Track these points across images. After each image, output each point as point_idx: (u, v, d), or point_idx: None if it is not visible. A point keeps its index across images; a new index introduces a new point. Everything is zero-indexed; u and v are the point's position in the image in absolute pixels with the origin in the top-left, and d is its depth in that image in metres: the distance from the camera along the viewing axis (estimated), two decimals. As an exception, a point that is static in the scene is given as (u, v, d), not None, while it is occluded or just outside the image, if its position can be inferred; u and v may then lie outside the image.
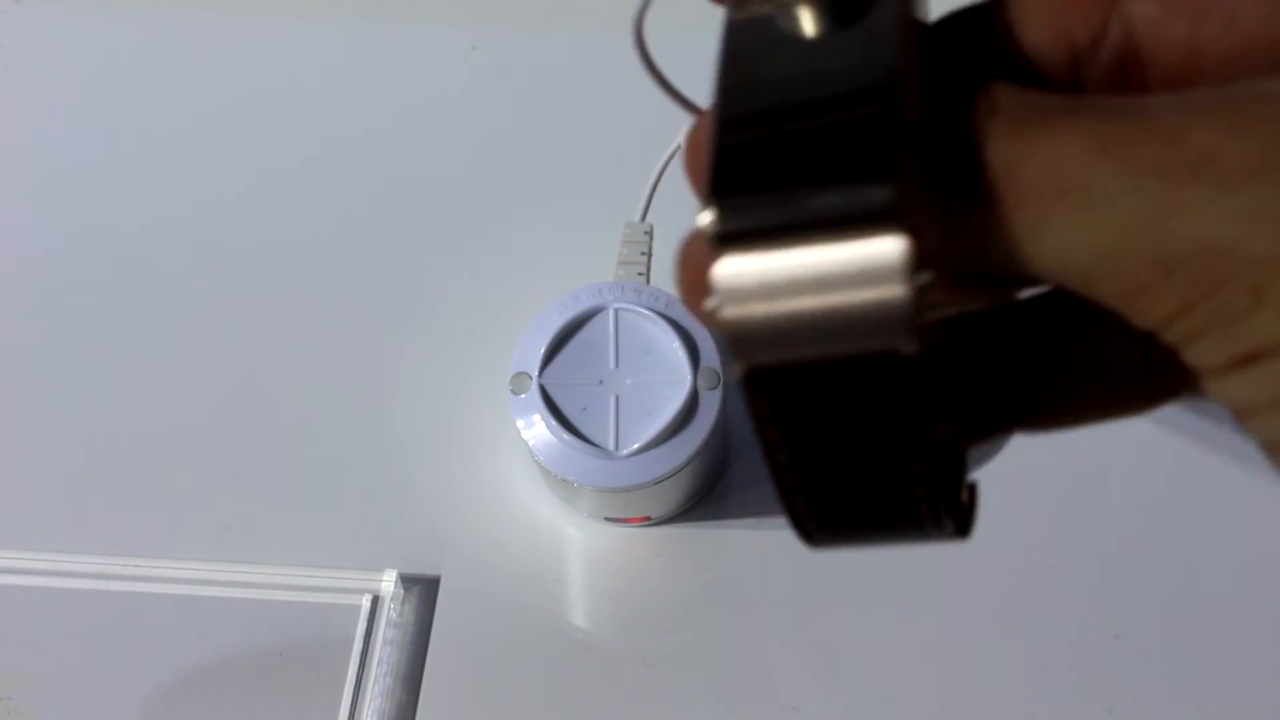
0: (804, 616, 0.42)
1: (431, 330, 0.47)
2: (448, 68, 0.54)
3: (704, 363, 0.38)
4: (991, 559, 0.42)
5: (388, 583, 0.42)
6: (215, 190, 0.52)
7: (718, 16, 0.15)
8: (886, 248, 0.12)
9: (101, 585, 0.42)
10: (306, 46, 0.56)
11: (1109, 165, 0.13)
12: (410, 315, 0.48)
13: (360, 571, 0.42)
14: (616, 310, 0.40)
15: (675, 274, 0.15)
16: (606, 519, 0.43)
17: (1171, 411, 0.41)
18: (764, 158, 0.13)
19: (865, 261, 0.12)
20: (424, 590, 0.42)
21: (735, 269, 0.13)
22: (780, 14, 0.14)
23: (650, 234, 0.42)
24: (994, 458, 0.20)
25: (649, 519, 0.43)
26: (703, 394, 0.38)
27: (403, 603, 0.42)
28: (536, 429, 0.38)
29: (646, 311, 0.39)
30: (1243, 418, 0.13)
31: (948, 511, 0.15)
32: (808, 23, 0.14)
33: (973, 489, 0.17)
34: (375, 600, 0.42)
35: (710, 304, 0.13)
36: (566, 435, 0.38)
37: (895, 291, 0.12)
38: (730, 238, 0.13)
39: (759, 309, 0.13)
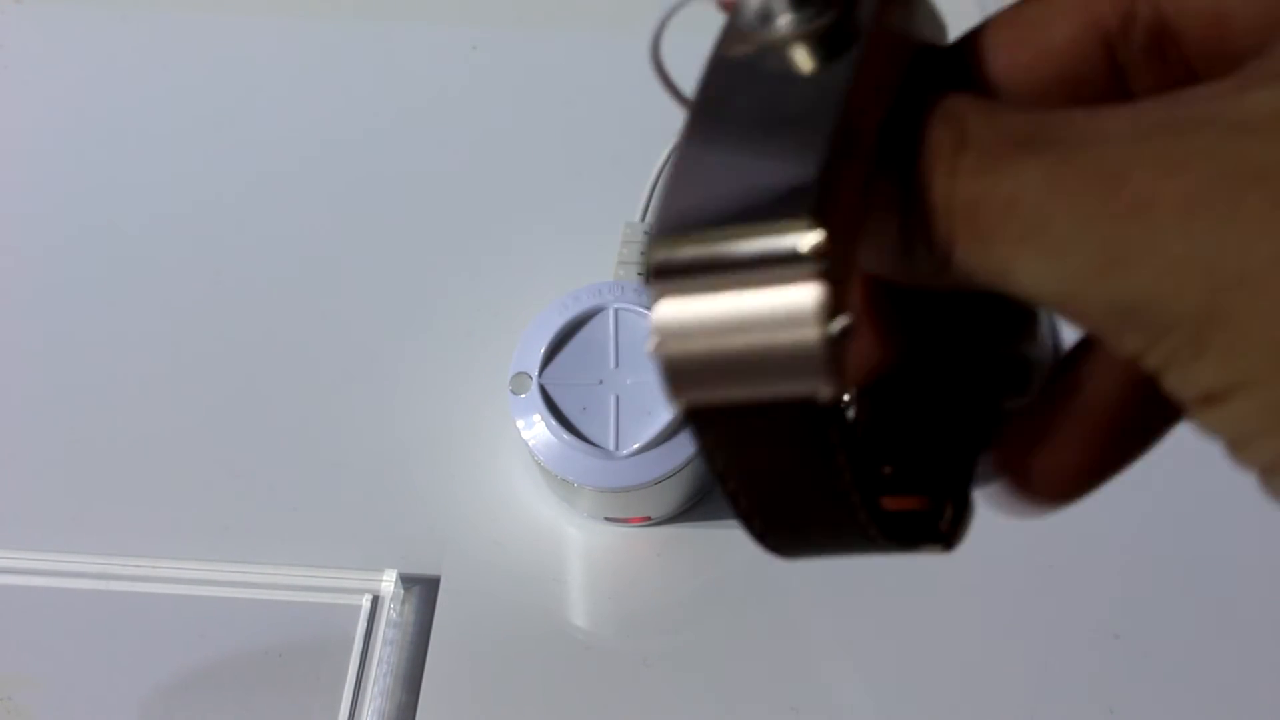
0: (804, 616, 0.42)
1: (431, 330, 0.47)
2: (448, 68, 0.54)
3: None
4: (991, 559, 0.42)
5: (388, 583, 0.42)
6: (215, 190, 0.52)
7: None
8: (802, 295, 0.12)
9: (101, 585, 0.42)
10: (306, 46, 0.56)
11: (1061, 208, 0.13)
12: (410, 315, 0.48)
13: (360, 571, 0.42)
14: (616, 310, 0.40)
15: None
16: (606, 519, 0.43)
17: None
18: (708, 198, 0.13)
19: (782, 308, 0.13)
20: (424, 590, 0.42)
21: (671, 308, 0.13)
22: (771, 52, 0.14)
23: (650, 234, 0.42)
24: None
25: (649, 519, 0.43)
26: None
27: (403, 603, 0.42)
28: (536, 429, 0.38)
29: (646, 312, 0.39)
30: (1229, 447, 0.14)
31: (922, 535, 0.16)
32: (803, 60, 0.14)
33: (960, 508, 0.17)
34: (375, 600, 0.42)
35: (650, 342, 0.13)
36: (566, 435, 0.38)
37: (810, 338, 0.12)
38: (662, 271, 0.13)
39: (689, 348, 0.13)
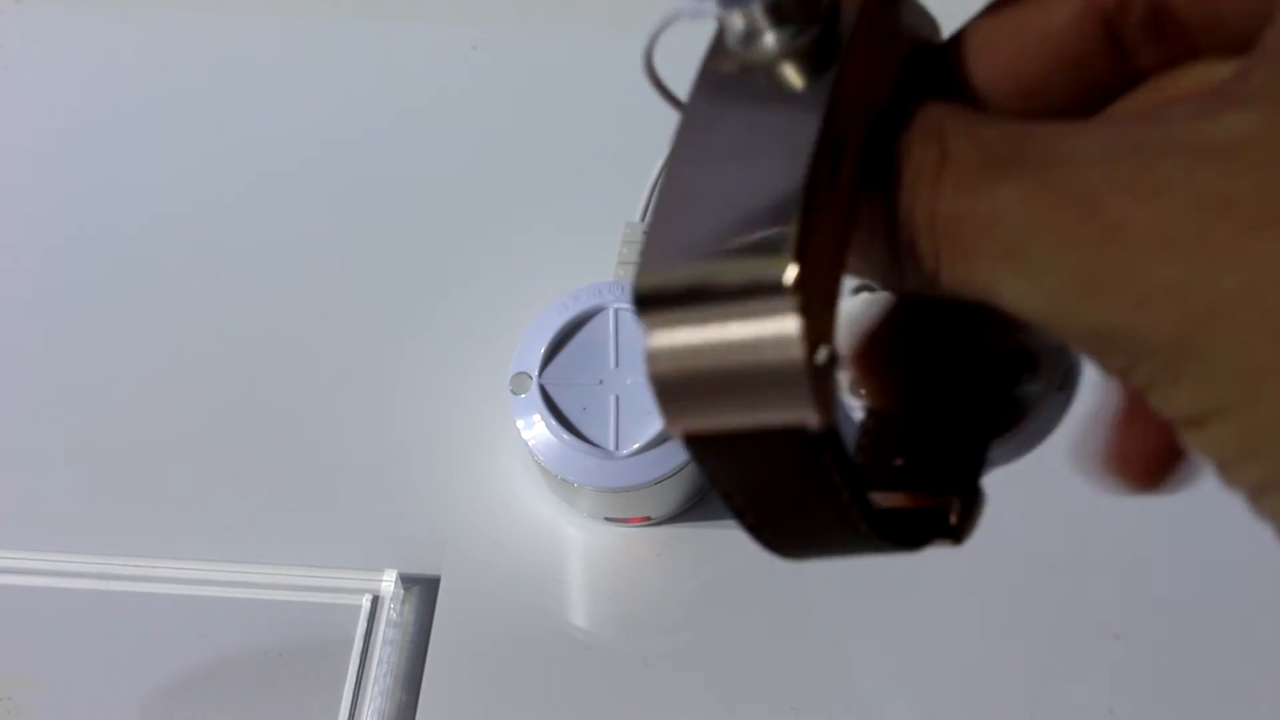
0: (804, 616, 0.42)
1: (431, 330, 0.47)
2: (448, 68, 0.54)
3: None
4: (992, 559, 0.42)
5: (388, 583, 0.42)
6: (215, 190, 0.52)
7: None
8: (784, 327, 0.13)
9: (101, 585, 0.42)
10: (306, 46, 0.56)
11: (1038, 232, 0.13)
12: (410, 315, 0.48)
13: (360, 571, 0.42)
14: (616, 310, 0.40)
15: None
16: (606, 519, 0.43)
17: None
18: (693, 227, 0.14)
19: (766, 340, 0.13)
20: (424, 590, 0.42)
21: (662, 339, 0.13)
22: (757, 71, 0.14)
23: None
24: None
25: (649, 519, 0.43)
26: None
27: (403, 603, 0.42)
28: (536, 429, 0.38)
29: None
30: (1216, 469, 0.14)
31: (930, 531, 0.16)
32: (789, 78, 0.14)
33: (969, 503, 0.17)
34: (375, 600, 0.42)
35: (646, 369, 0.14)
36: (566, 435, 0.38)
37: (794, 369, 0.13)
38: (649, 301, 0.13)
39: (681, 379, 0.13)
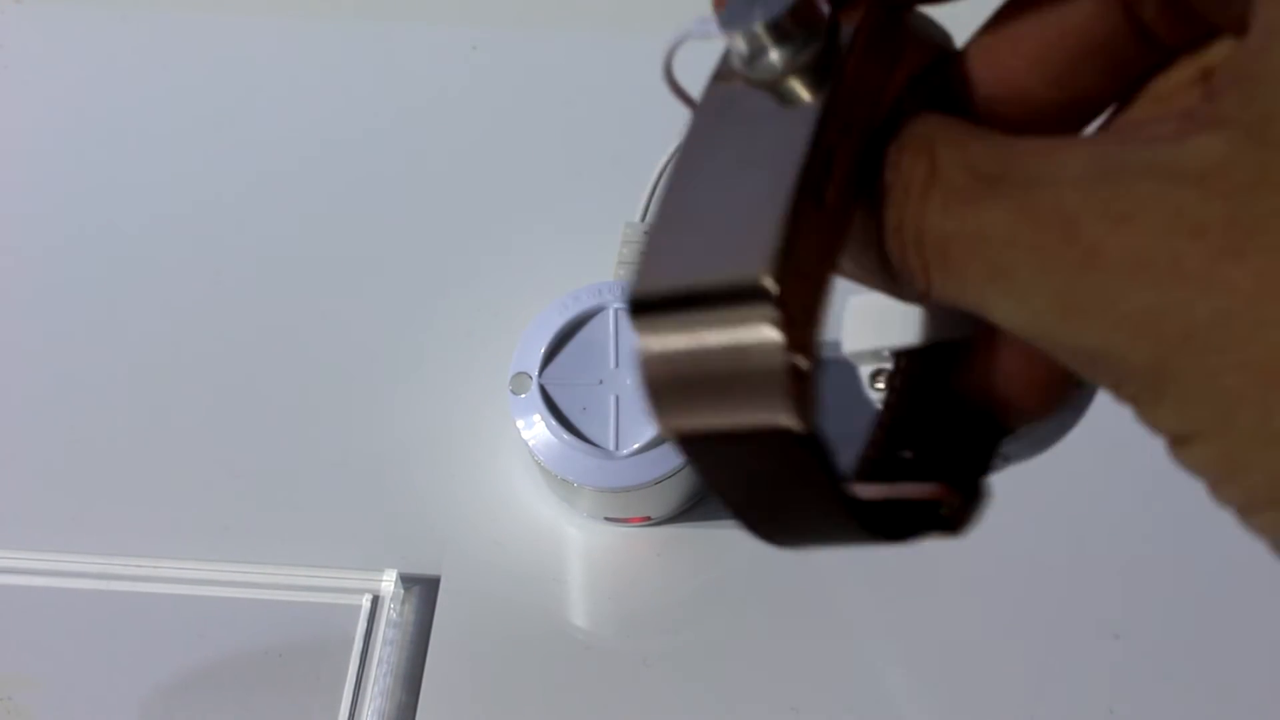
0: (804, 616, 0.42)
1: (431, 330, 0.47)
2: (448, 68, 0.54)
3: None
4: (991, 559, 0.42)
5: (388, 583, 0.42)
6: (215, 190, 0.52)
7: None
8: (763, 335, 0.13)
9: (101, 585, 0.42)
10: (306, 46, 0.56)
11: (1022, 254, 0.13)
12: (410, 315, 0.48)
13: (360, 571, 0.42)
14: (616, 310, 0.40)
15: None
16: (606, 519, 0.43)
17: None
18: (685, 238, 0.14)
19: (747, 346, 0.13)
20: (424, 590, 0.42)
21: (654, 343, 0.14)
22: (760, 88, 0.15)
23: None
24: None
25: (649, 519, 0.43)
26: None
27: (403, 603, 0.42)
28: (536, 429, 0.38)
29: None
30: (1206, 485, 0.14)
31: (926, 524, 0.16)
32: (791, 94, 0.15)
33: (972, 496, 0.17)
34: (375, 600, 0.42)
35: (638, 372, 0.14)
36: (566, 435, 0.38)
37: (771, 375, 0.13)
38: (641, 307, 0.14)
39: (671, 382, 0.14)
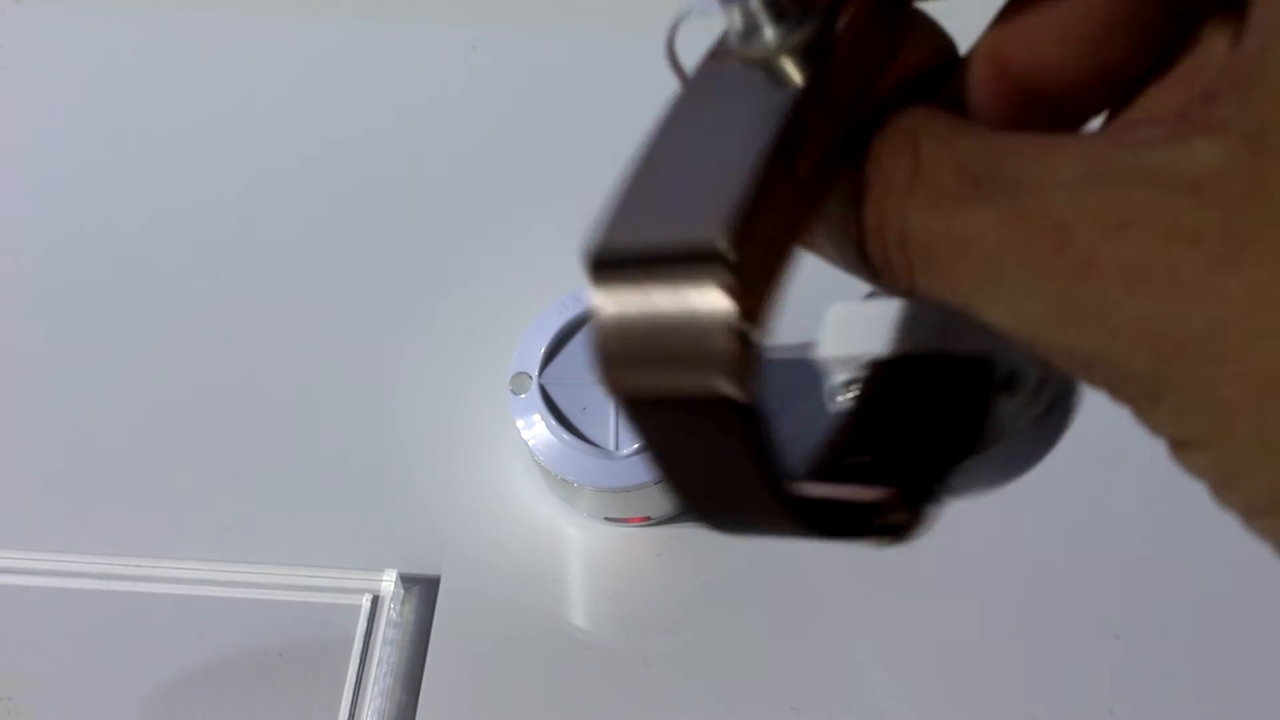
0: (804, 616, 0.42)
1: (431, 330, 0.47)
2: (448, 68, 0.54)
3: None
4: (992, 559, 0.42)
5: (388, 583, 0.42)
6: (215, 190, 0.52)
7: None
8: (712, 299, 0.13)
9: (101, 585, 0.42)
10: (306, 46, 0.56)
11: (1013, 260, 0.13)
12: (410, 315, 0.48)
13: (360, 571, 0.42)
14: (616, 310, 0.39)
15: None
16: (606, 519, 0.43)
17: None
18: (653, 201, 0.14)
19: (696, 310, 0.13)
20: (424, 590, 0.42)
21: (607, 300, 0.14)
22: (752, 65, 0.15)
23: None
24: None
25: (649, 519, 0.43)
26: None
27: (403, 603, 0.42)
28: (536, 429, 0.38)
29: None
30: (1208, 488, 0.14)
31: (865, 529, 0.16)
32: (790, 72, 0.14)
33: (920, 506, 0.17)
34: (375, 600, 0.42)
35: (590, 328, 0.14)
36: (566, 435, 0.38)
37: (717, 340, 0.13)
38: (599, 264, 0.14)
39: (619, 340, 0.14)
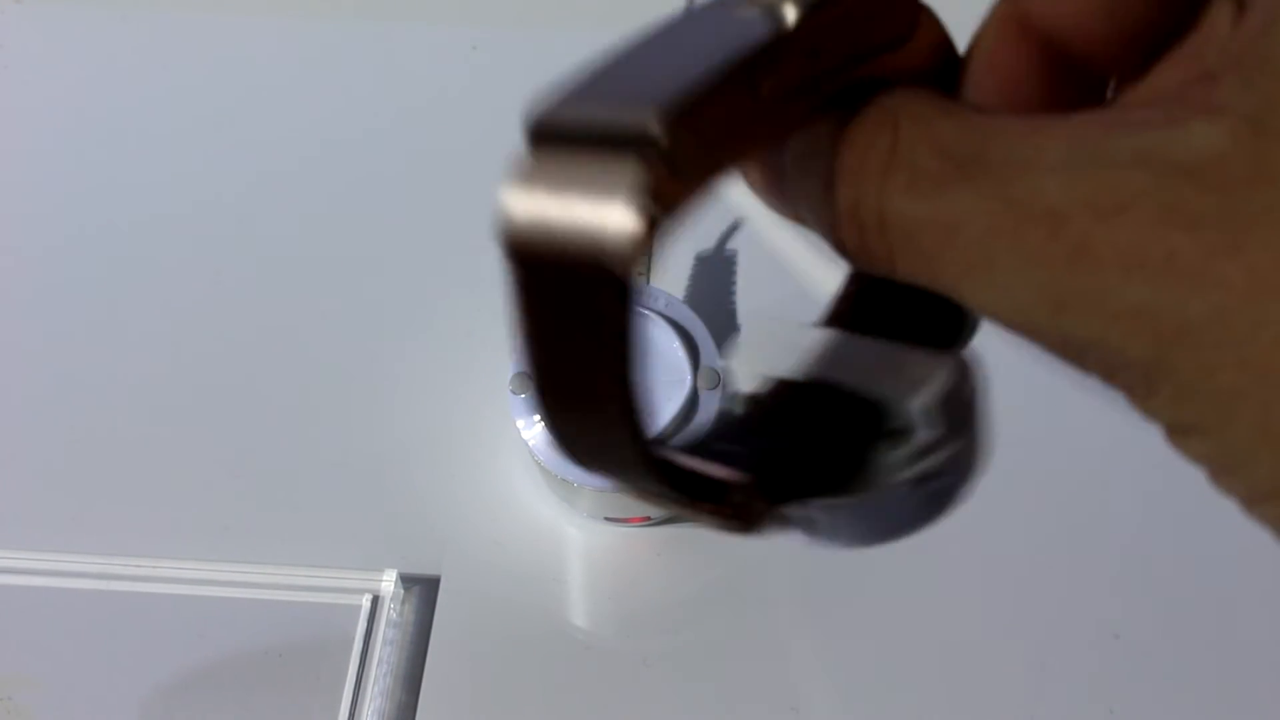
0: (804, 616, 0.42)
1: (431, 330, 0.47)
2: (448, 68, 0.54)
3: (704, 363, 0.38)
4: (992, 559, 0.42)
5: (388, 583, 0.42)
6: (215, 190, 0.52)
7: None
8: (626, 168, 0.13)
9: (101, 585, 0.42)
10: (306, 46, 0.56)
11: (1003, 246, 0.13)
12: (410, 315, 0.48)
13: (360, 571, 0.42)
14: (616, 310, 0.39)
15: None
16: (606, 519, 0.43)
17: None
18: (606, 83, 0.14)
19: (612, 180, 0.13)
20: (424, 590, 0.42)
21: (530, 163, 0.14)
22: (764, 7, 0.15)
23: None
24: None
25: (649, 519, 0.43)
26: (702, 394, 0.38)
27: (403, 603, 0.42)
28: (536, 429, 0.38)
29: (646, 311, 0.39)
30: (1207, 475, 0.14)
31: (710, 501, 0.16)
32: (789, 14, 0.14)
33: (772, 506, 0.17)
34: (375, 600, 0.42)
35: (504, 182, 0.14)
36: (566, 435, 0.38)
37: (620, 213, 0.13)
38: (535, 134, 0.14)
39: (527, 190, 0.14)
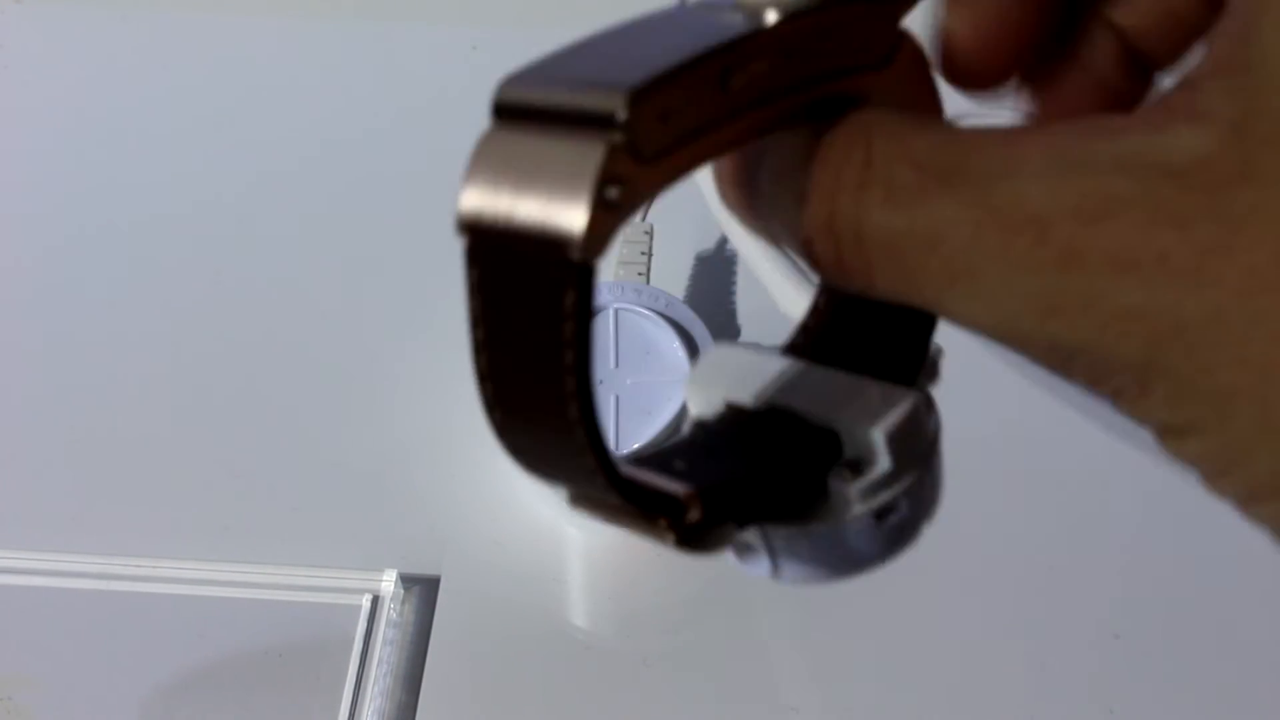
0: (804, 616, 0.42)
1: (431, 330, 0.47)
2: (448, 68, 0.55)
3: (704, 363, 0.38)
4: (992, 559, 0.42)
5: (388, 583, 0.42)
6: (215, 190, 0.52)
7: None
8: (591, 150, 0.13)
9: (101, 585, 0.42)
10: (306, 46, 0.56)
11: (988, 255, 0.13)
12: (410, 315, 0.48)
13: (360, 571, 0.42)
14: (616, 310, 0.39)
15: None
16: (606, 519, 0.43)
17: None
18: (575, 67, 0.14)
19: (571, 155, 0.13)
20: (424, 590, 0.42)
21: (493, 138, 0.14)
22: (748, 10, 0.15)
23: (650, 234, 0.42)
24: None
25: (649, 519, 0.42)
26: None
27: (403, 603, 0.42)
28: (536, 429, 0.38)
29: (646, 312, 0.39)
30: (1200, 477, 0.14)
31: (662, 512, 0.15)
32: (769, 17, 0.14)
33: (717, 522, 0.16)
34: (375, 600, 0.42)
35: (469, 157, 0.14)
36: (566, 435, 0.38)
37: (582, 193, 0.13)
38: (501, 110, 0.14)
39: (489, 169, 0.14)
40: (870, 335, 0.18)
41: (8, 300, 0.49)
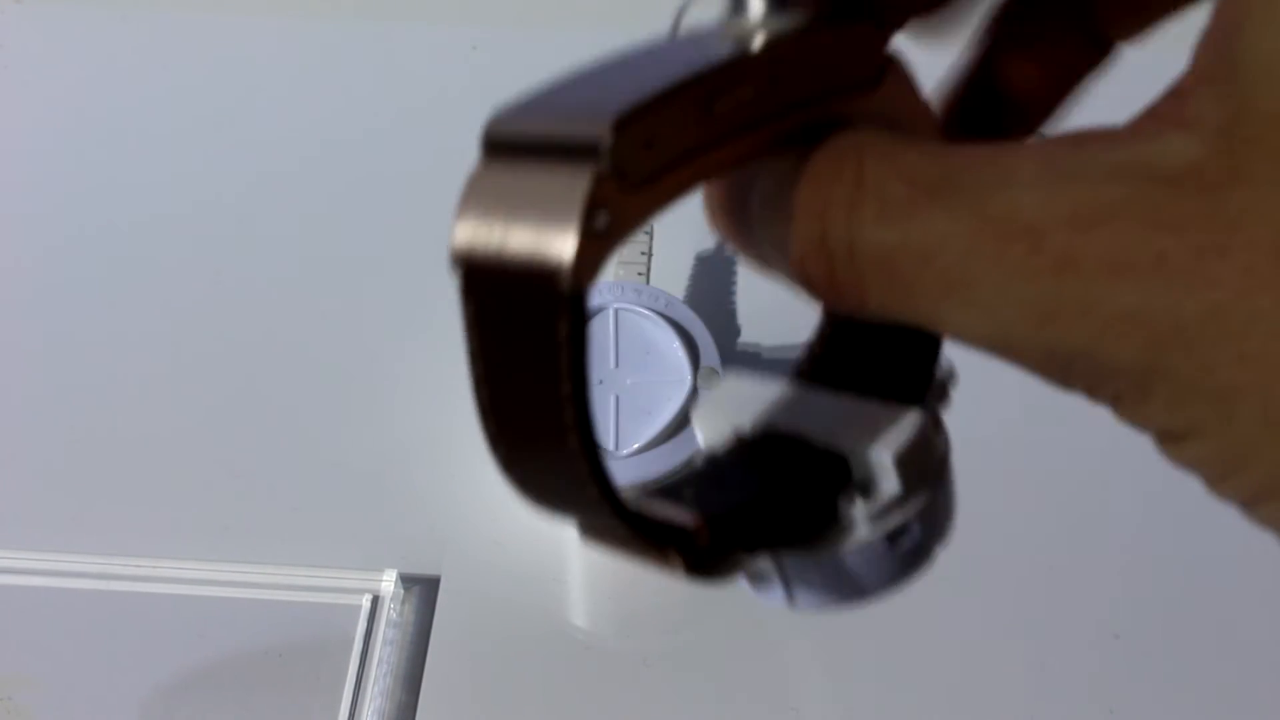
0: (804, 616, 0.42)
1: (431, 330, 0.47)
2: (448, 68, 0.55)
3: (703, 362, 0.38)
4: (993, 560, 0.42)
5: (388, 583, 0.42)
6: (215, 190, 0.52)
7: None
8: (577, 179, 0.13)
9: (101, 585, 0.42)
10: (306, 46, 0.56)
11: (983, 265, 0.13)
12: (410, 315, 0.48)
13: (360, 571, 0.42)
14: (616, 310, 0.39)
15: None
16: (606, 519, 0.43)
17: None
18: (564, 98, 0.14)
19: (558, 186, 0.13)
20: (424, 590, 0.42)
21: (484, 172, 0.14)
22: (729, 32, 0.15)
23: (650, 234, 0.42)
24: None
25: (649, 519, 0.42)
26: (702, 394, 0.38)
27: (403, 603, 0.42)
28: (536, 429, 0.38)
29: (646, 312, 0.39)
30: (1203, 481, 0.14)
31: (671, 542, 0.15)
32: (756, 43, 0.14)
33: (720, 551, 0.16)
34: (375, 600, 0.42)
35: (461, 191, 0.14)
36: (566, 435, 0.38)
37: (570, 222, 0.13)
38: (491, 143, 0.14)
39: (478, 206, 0.14)
40: (876, 358, 0.18)
41: (8, 300, 0.49)
